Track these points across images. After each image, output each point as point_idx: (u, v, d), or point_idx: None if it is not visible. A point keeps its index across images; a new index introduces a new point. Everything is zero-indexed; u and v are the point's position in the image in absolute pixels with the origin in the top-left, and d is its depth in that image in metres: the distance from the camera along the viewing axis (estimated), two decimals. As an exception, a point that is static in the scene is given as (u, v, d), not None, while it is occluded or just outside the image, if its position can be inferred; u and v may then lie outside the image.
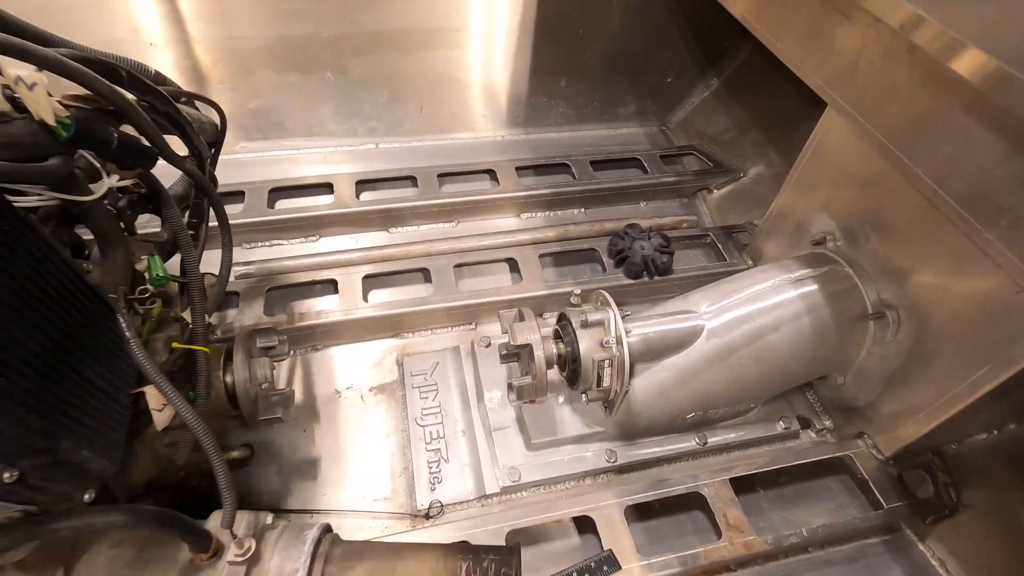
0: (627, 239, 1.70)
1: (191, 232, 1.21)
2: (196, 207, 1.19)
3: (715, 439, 1.39)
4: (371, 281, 1.64)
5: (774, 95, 1.95)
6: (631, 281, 1.64)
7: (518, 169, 1.87)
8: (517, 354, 1.26)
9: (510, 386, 1.20)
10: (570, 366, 1.23)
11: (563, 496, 1.30)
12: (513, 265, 1.69)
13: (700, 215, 1.92)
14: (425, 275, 1.62)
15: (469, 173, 1.89)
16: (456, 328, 1.62)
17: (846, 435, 1.42)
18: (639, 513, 1.27)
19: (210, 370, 1.03)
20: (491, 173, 1.87)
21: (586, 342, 1.20)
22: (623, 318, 1.21)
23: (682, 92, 2.14)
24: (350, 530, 1.26)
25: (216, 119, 1.18)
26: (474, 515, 1.27)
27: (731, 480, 1.27)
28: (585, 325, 1.21)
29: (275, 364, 1.36)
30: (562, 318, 1.28)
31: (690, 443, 1.38)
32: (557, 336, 1.26)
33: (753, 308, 1.28)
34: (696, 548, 1.17)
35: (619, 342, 1.18)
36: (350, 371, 1.53)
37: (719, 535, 1.20)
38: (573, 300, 1.25)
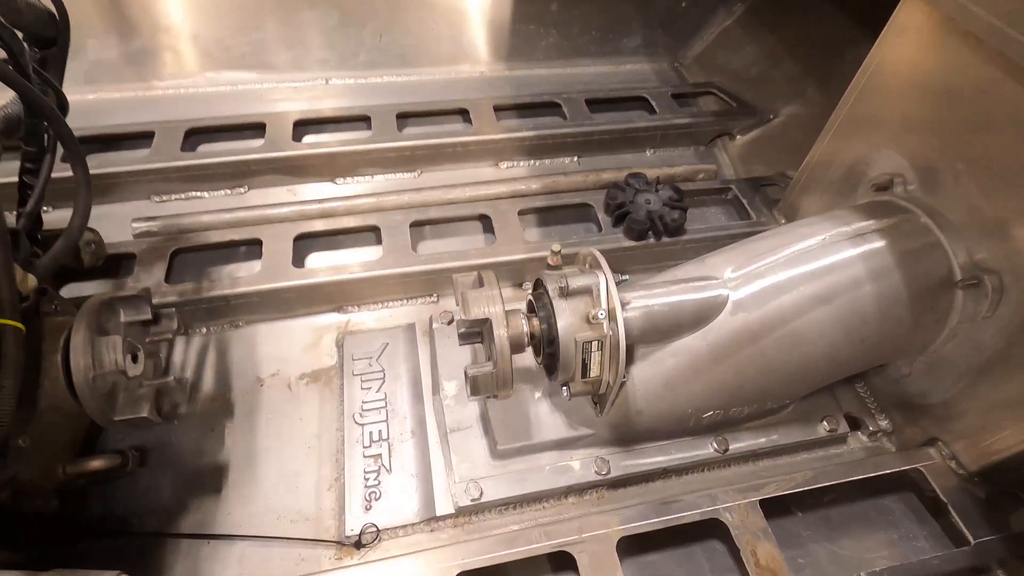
0: (629, 191, 1.36)
1: (31, 166, 0.89)
2: (33, 133, 0.87)
3: (738, 445, 1.07)
4: (307, 243, 1.32)
5: (813, 19, 1.59)
6: (633, 243, 1.30)
7: (497, 109, 1.53)
8: (480, 332, 0.93)
9: (466, 376, 0.88)
10: (546, 349, 0.91)
11: (537, 521, 0.99)
12: (487, 223, 1.36)
13: (720, 166, 1.58)
14: (376, 235, 1.30)
15: (436, 113, 1.55)
16: (413, 301, 1.30)
17: (909, 440, 1.09)
18: (638, 545, 0.96)
19: (21, 353, 0.72)
20: (463, 113, 1.53)
21: (567, 316, 0.87)
22: (618, 285, 0.88)
23: (699, 20, 1.77)
24: (256, 563, 0.96)
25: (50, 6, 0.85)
26: (419, 545, 0.97)
27: (761, 502, 0.95)
28: (566, 293, 0.88)
29: (160, 345, 1.05)
30: (538, 285, 0.95)
31: (706, 450, 1.06)
32: (532, 310, 0.93)
33: (795, 273, 0.94)
34: (715, 597, 0.86)
35: (612, 317, 0.86)
36: (277, 354, 1.21)
37: (745, 578, 0.88)
38: (551, 260, 0.93)
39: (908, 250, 0.94)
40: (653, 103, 1.59)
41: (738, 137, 1.61)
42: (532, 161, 1.51)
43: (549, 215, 1.40)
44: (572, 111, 1.54)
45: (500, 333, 0.85)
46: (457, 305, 0.87)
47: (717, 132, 1.61)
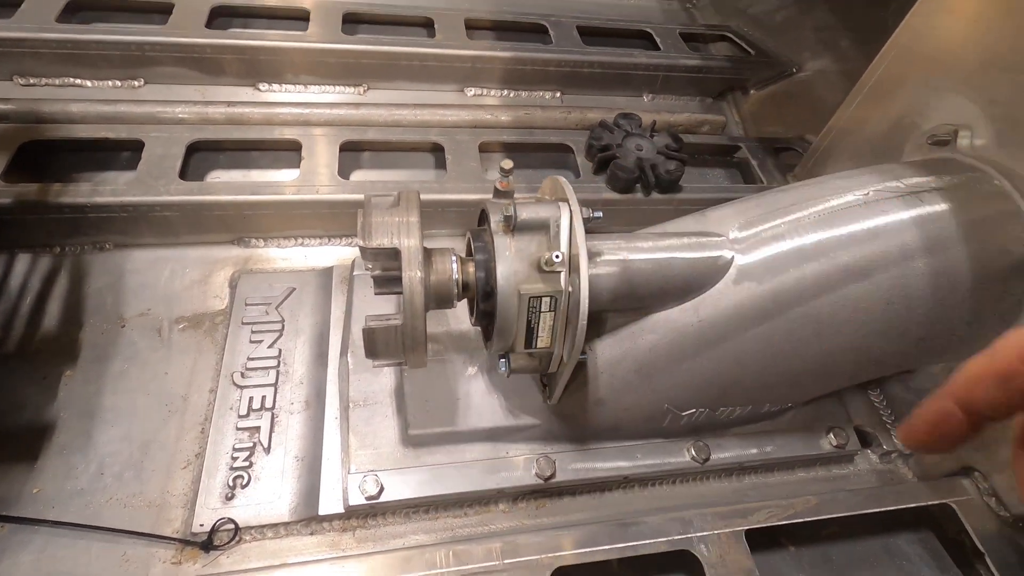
0: (618, 132, 1.10)
1: None
2: None
3: (722, 455, 0.83)
4: (207, 157, 1.05)
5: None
6: (616, 195, 1.05)
7: (470, 26, 1.25)
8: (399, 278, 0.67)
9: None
10: (481, 304, 0.66)
11: (454, 533, 0.75)
12: (439, 156, 1.10)
13: (729, 123, 1.33)
14: (296, 153, 1.02)
15: (394, 22, 1.27)
16: (336, 241, 1.04)
17: (932, 468, 0.87)
18: (581, 573, 0.72)
19: None
20: (428, 24, 1.26)
21: (510, 260, 0.62)
22: (588, 223, 0.63)
23: (719, -47, 1.51)
24: (61, 559, 0.70)
25: None
26: (287, 554, 0.72)
27: (748, 533, 0.71)
28: (512, 227, 0.63)
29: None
30: (481, 219, 0.70)
31: (681, 457, 0.82)
32: (470, 252, 0.68)
33: (824, 236, 0.70)
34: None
35: (573, 266, 0.61)
36: (151, 289, 0.95)
37: (719, 635, 0.65)
38: (499, 184, 0.67)
39: (977, 218, 0.70)
40: (657, 39, 1.33)
41: (752, 92, 1.36)
42: (505, 91, 1.25)
43: (518, 154, 1.14)
44: (560, 37, 1.27)
45: (412, 275, 0.59)
46: (358, 229, 0.61)
47: (729, 83, 1.36)
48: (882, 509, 0.76)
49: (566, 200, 0.64)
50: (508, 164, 0.66)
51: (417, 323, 0.60)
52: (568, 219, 0.62)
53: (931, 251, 0.69)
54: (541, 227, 0.63)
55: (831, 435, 0.88)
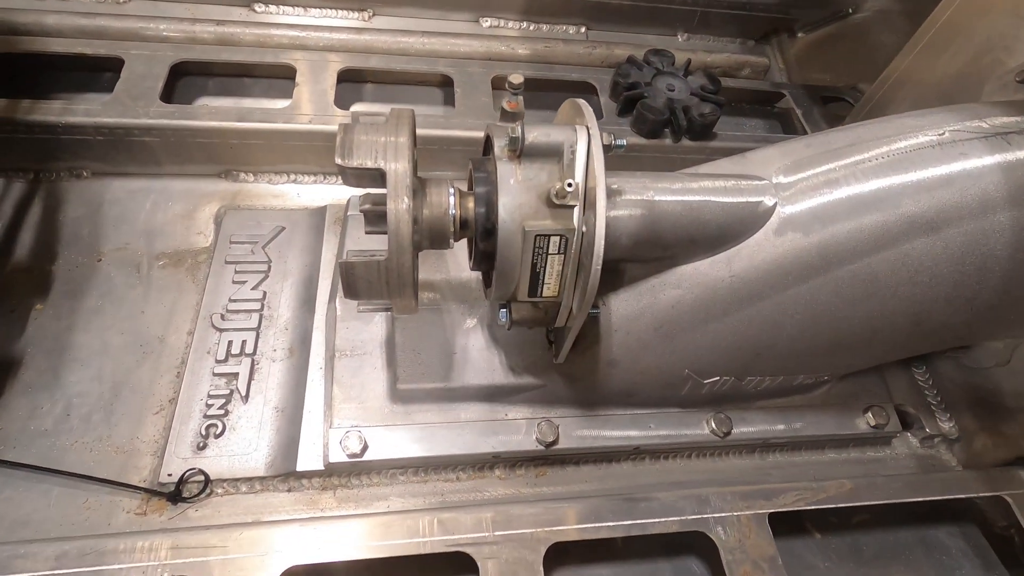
0: (647, 70, 0.99)
1: None
2: None
3: (745, 429, 0.75)
4: (194, 82, 0.96)
5: None
6: (642, 140, 0.95)
7: (489, -53, 1.13)
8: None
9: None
10: (481, 243, 0.57)
11: (440, 500, 0.68)
12: (447, 90, 1.00)
13: (772, 68, 1.20)
14: (290, 81, 0.93)
15: (407, -60, 1.15)
16: (331, 179, 0.95)
17: (979, 454, 0.78)
18: (579, 550, 0.65)
19: None
20: (443, -55, 1.13)
21: (515, 191, 0.53)
22: (609, 153, 0.54)
23: None
24: (17, 503, 0.65)
25: None
26: (259, 510, 0.66)
27: (772, 517, 0.63)
28: (520, 151, 0.53)
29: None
30: (486, 147, 0.61)
31: (700, 430, 0.74)
32: (472, 187, 0.59)
33: (887, 183, 0.60)
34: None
35: (588, 202, 0.52)
36: (131, 222, 0.88)
37: (733, 627, 0.58)
38: (507, 105, 0.58)
39: (1076, 166, 0.59)
40: (697, -29, 1.19)
41: (801, 35, 1.23)
42: (524, 23, 1.13)
43: (535, 91, 1.03)
44: (589, -36, 1.14)
45: (398, 203, 0.50)
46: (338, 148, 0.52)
47: (774, 24, 1.22)
48: (928, 499, 0.67)
49: (586, 122, 0.54)
50: (518, 79, 0.56)
51: (403, 259, 0.52)
52: (586, 144, 0.52)
53: (1018, 203, 0.58)
54: (553, 153, 0.54)
55: (869, 414, 0.78)
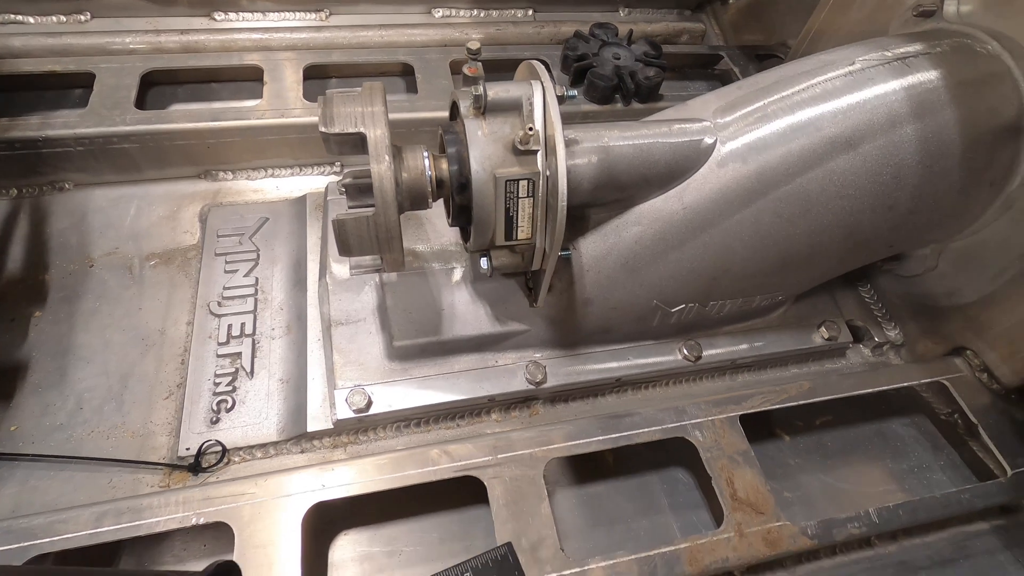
0: (594, 42, 1.06)
1: None
2: None
3: (714, 351, 0.83)
4: (164, 91, 1.00)
5: None
6: (595, 106, 1.02)
7: (434, -58, 1.19)
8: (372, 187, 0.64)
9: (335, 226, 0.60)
10: (456, 198, 0.63)
11: (444, 443, 0.74)
12: (409, 79, 1.06)
13: (708, 33, 1.28)
14: (258, 83, 0.97)
15: (354, -59, 1.20)
16: (307, 170, 1.00)
17: (924, 355, 0.87)
18: (576, 471, 0.72)
19: None
20: (389, -57, 1.19)
21: (483, 143, 0.59)
22: (563, 102, 0.60)
23: None
24: (44, 490, 0.68)
25: None
26: (275, 472, 0.70)
27: (743, 418, 0.71)
28: (483, 108, 0.60)
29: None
30: (452, 113, 0.67)
31: (673, 356, 0.81)
32: (443, 147, 0.65)
33: (812, 113, 0.68)
34: (676, 543, 0.63)
35: (549, 148, 0.58)
36: (117, 228, 0.91)
37: (719, 517, 0.65)
38: (467, 70, 0.64)
39: (965, 80, 0.67)
40: (631, -51, 1.27)
41: (731, 1, 1.31)
42: (474, 10, 1.19)
43: (491, 72, 1.09)
44: (529, -50, 1.21)
45: (380, 165, 0.56)
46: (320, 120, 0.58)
47: (708, -8, 1.31)
48: (876, 389, 0.75)
49: (540, 78, 0.60)
50: (475, 44, 0.62)
51: (390, 213, 0.57)
52: (541, 96, 0.59)
53: (920, 116, 0.66)
54: (513, 107, 0.60)
55: (822, 328, 0.87)
